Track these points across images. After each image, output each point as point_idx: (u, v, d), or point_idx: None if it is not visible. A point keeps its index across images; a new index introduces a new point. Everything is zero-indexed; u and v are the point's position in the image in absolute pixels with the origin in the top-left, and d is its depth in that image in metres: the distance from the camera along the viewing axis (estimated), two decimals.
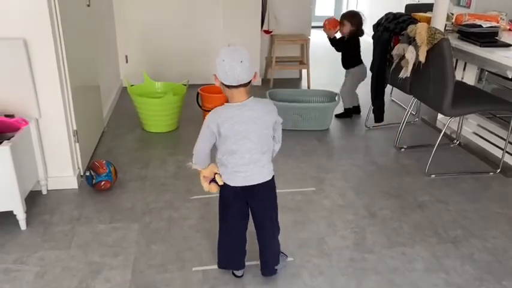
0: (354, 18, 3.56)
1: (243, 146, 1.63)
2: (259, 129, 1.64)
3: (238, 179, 1.68)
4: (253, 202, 1.73)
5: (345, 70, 3.73)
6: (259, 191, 1.70)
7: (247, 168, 1.66)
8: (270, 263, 1.83)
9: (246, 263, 1.88)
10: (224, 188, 1.72)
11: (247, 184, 1.68)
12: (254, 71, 1.60)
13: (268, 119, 1.66)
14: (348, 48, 3.62)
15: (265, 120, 1.65)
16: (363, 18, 3.56)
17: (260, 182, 1.69)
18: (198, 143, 1.71)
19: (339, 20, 3.61)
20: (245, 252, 1.85)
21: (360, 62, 3.66)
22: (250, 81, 1.60)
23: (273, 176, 1.74)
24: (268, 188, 1.73)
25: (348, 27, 3.55)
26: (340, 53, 3.71)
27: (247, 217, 1.79)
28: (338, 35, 3.67)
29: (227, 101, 1.66)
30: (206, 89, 3.55)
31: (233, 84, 1.57)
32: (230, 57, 1.55)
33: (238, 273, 1.87)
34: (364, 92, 3.76)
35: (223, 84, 1.60)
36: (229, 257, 1.86)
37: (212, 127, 1.63)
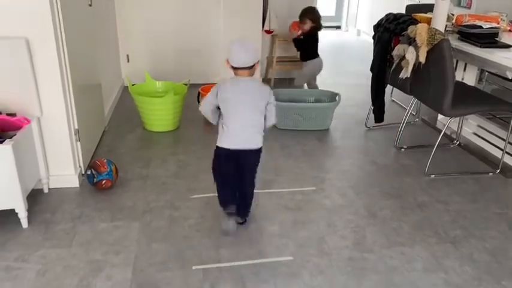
0: (313, 14, 3.85)
1: (236, 111, 2.00)
2: (251, 102, 2.01)
3: (231, 142, 2.03)
4: (239, 161, 2.07)
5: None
6: (246, 155, 2.06)
7: (239, 133, 2.02)
8: (241, 207, 2.16)
9: (244, 262, 1.92)
10: (218, 149, 2.08)
11: (236, 147, 2.03)
12: (257, 59, 2.01)
13: (259, 96, 2.03)
14: (308, 44, 3.94)
15: (256, 97, 2.02)
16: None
17: (247, 148, 2.05)
18: (204, 99, 2.12)
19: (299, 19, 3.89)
20: (235, 197, 2.13)
21: (317, 55, 4.06)
22: (254, 65, 1.99)
23: (261, 147, 2.09)
24: (253, 153, 2.08)
25: (309, 24, 3.84)
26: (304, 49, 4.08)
27: (236, 172, 2.10)
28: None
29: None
30: (207, 89, 3.57)
31: (239, 66, 1.98)
32: (239, 45, 1.97)
33: (231, 209, 2.12)
34: (364, 92, 3.77)
35: (232, 66, 1.99)
36: (223, 197, 2.16)
37: (214, 91, 2.03)
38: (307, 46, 4.02)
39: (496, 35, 2.90)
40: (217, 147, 2.08)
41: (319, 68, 4.11)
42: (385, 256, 2.04)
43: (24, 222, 2.15)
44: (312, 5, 4.30)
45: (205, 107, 2.10)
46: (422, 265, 1.99)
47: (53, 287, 1.79)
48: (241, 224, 2.20)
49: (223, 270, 1.91)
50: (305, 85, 4.26)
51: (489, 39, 2.85)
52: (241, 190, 2.16)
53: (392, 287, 1.85)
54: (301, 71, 4.22)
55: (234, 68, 2.00)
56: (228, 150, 2.04)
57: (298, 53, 4.17)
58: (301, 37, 4.02)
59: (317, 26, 3.90)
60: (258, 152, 2.09)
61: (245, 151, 2.05)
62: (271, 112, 2.06)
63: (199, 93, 3.53)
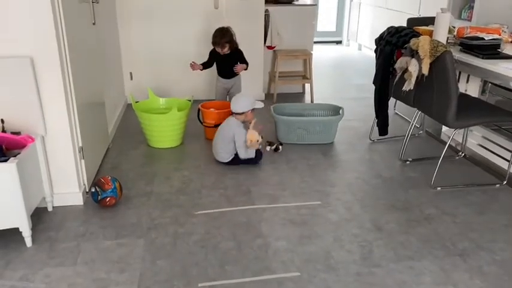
0: (229, 37, 3.63)
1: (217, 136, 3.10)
2: (223, 132, 3.06)
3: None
4: None
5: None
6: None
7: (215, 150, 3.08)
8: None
9: (251, 279, 1.88)
10: None
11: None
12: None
13: (228, 130, 3.04)
14: (231, 61, 3.74)
15: (227, 131, 3.05)
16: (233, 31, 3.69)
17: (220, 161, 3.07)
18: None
19: (218, 44, 3.64)
20: None
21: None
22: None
23: (231, 159, 3.04)
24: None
25: (227, 47, 3.64)
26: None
27: None
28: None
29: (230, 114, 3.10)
30: (207, 105, 3.58)
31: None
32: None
33: None
34: (367, 105, 3.77)
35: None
36: None
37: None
38: (230, 63, 3.76)
39: (498, 46, 2.90)
40: None
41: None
42: (393, 270, 2.01)
43: (28, 241, 2.14)
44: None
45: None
46: (431, 279, 1.96)
47: None
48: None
49: (230, 287, 1.88)
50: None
51: (491, 51, 2.85)
52: None
53: None
54: (237, 86, 3.93)
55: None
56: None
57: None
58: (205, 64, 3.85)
59: (235, 44, 3.72)
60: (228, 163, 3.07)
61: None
62: (237, 144, 3.01)
63: (199, 109, 3.53)
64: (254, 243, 2.20)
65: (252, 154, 3.03)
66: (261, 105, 3.15)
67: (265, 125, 3.10)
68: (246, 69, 3.80)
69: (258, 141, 2.98)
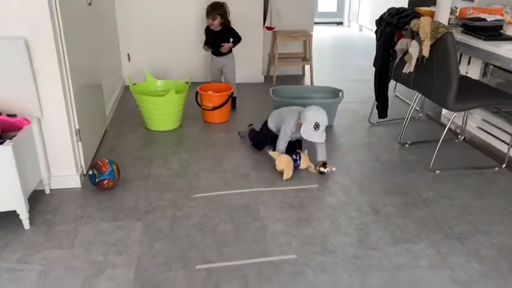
0: (221, 10, 3.60)
1: None
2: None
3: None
4: None
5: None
6: None
7: None
8: None
9: (248, 261, 1.90)
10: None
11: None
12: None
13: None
14: (222, 38, 3.68)
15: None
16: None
17: None
18: None
19: (210, 14, 3.59)
20: None
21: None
22: None
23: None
24: None
25: (218, 20, 3.59)
26: None
27: None
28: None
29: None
30: (205, 88, 3.55)
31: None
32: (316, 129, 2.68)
33: None
34: (367, 87, 3.74)
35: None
36: None
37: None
38: (221, 40, 3.68)
39: (500, 27, 2.86)
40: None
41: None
42: (389, 253, 2.01)
43: (26, 224, 2.14)
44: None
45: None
46: (428, 262, 1.96)
47: None
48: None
49: (227, 270, 1.89)
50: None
51: (493, 32, 2.81)
52: None
53: (397, 285, 1.83)
54: (231, 67, 3.82)
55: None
56: None
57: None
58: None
59: (227, 21, 3.68)
60: None
61: None
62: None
63: (197, 92, 3.50)
64: (252, 226, 2.20)
65: (280, 148, 2.81)
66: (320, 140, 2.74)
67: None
68: (235, 44, 3.72)
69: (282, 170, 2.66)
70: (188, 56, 4.44)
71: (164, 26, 4.33)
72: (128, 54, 4.39)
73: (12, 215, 2.10)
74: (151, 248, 2.02)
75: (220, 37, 3.68)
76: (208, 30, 3.72)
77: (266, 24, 4.58)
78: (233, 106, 3.75)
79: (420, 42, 2.64)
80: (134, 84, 3.46)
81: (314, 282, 1.83)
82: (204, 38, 3.76)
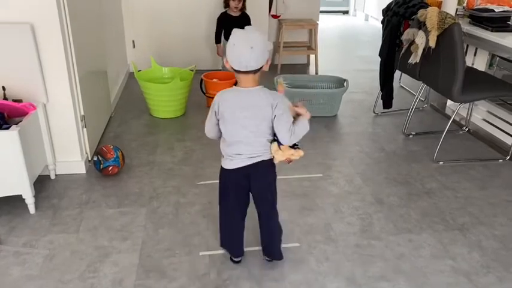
0: None
1: (240, 134, 1.62)
2: (256, 119, 1.60)
3: (235, 162, 1.67)
4: (251, 182, 1.71)
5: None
6: (257, 170, 1.68)
7: (243, 150, 1.65)
8: (267, 245, 1.86)
9: (251, 249, 1.90)
10: (222, 172, 1.74)
11: (243, 165, 1.66)
12: (266, 58, 1.57)
13: (267, 110, 1.59)
14: (241, 25, 3.76)
15: (263, 112, 1.60)
16: None
17: (254, 162, 1.66)
18: (206, 122, 1.72)
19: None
20: (242, 239, 1.85)
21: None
22: (260, 68, 1.58)
23: (270, 158, 1.69)
24: (264, 167, 1.68)
25: (241, 3, 3.75)
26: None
27: (244, 201, 1.80)
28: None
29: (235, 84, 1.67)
30: (210, 75, 3.54)
31: (241, 70, 1.56)
32: (241, 42, 1.53)
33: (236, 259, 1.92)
34: (372, 77, 3.73)
35: (232, 67, 1.57)
36: (228, 241, 1.87)
37: (215, 106, 1.64)
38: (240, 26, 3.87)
39: (508, 18, 2.84)
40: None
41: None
42: (392, 243, 2.03)
43: (32, 208, 2.16)
44: None
45: (209, 133, 1.74)
46: (430, 252, 1.97)
47: (61, 272, 1.80)
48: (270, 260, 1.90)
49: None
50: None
51: (501, 23, 2.79)
52: (260, 226, 1.85)
53: (399, 274, 1.84)
54: None
55: (235, 71, 1.58)
56: (231, 170, 1.70)
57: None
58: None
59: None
60: (269, 163, 1.71)
61: (253, 165, 1.67)
62: (282, 127, 1.63)
63: (201, 80, 3.50)
64: (255, 214, 2.20)
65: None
66: None
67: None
68: None
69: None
70: (193, 43, 4.42)
71: (169, 13, 4.31)
72: (133, 41, 4.38)
73: (19, 199, 2.12)
74: (155, 234, 2.04)
75: (239, 25, 3.68)
76: (225, 18, 3.74)
77: (272, 12, 4.55)
78: None
79: (427, 33, 2.62)
80: (139, 71, 3.45)
81: (316, 270, 1.85)
82: (210, 28, 3.79)
